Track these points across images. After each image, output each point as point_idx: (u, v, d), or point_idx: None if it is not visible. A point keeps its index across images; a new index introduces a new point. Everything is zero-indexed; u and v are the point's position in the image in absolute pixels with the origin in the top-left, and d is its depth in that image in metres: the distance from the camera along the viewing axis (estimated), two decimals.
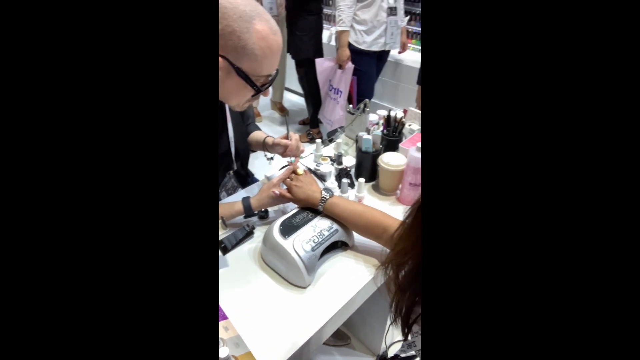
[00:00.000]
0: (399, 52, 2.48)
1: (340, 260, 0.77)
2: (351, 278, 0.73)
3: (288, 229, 0.72)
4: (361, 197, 0.91)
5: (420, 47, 1.56)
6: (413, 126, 1.13)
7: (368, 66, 2.15)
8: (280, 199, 0.82)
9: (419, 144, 0.84)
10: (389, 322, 0.59)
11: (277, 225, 0.73)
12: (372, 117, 1.08)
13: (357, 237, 0.80)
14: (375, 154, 0.95)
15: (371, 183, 1.00)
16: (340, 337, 1.35)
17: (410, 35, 2.71)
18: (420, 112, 1.16)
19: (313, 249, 0.70)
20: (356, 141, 1.00)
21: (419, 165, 0.85)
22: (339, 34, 2.02)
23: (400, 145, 0.97)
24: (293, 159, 0.89)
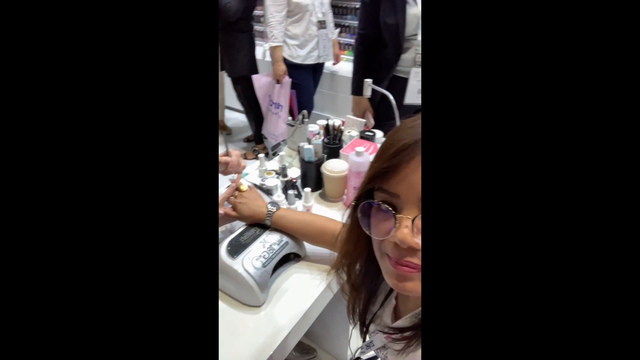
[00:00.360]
0: (334, 64, 2.57)
1: (294, 273, 0.76)
2: (307, 288, 0.73)
3: (236, 248, 0.70)
4: (309, 207, 0.92)
5: (352, 57, 1.65)
6: (352, 133, 1.17)
7: (305, 79, 2.20)
8: (225, 218, 0.79)
9: (358, 149, 0.87)
10: (351, 327, 0.59)
11: (224, 247, 0.70)
12: (312, 128, 1.10)
13: (309, 247, 0.80)
14: (319, 163, 0.97)
15: (318, 192, 1.01)
16: (306, 350, 1.33)
17: (342, 46, 2.82)
18: (358, 119, 1.21)
19: (264, 265, 0.68)
20: (298, 152, 1.01)
21: (360, 168, 0.87)
22: (273, 50, 2.05)
23: (341, 151, 1.00)
24: (235, 176, 0.87)
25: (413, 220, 0.36)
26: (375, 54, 1.44)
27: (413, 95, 1.45)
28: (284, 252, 0.73)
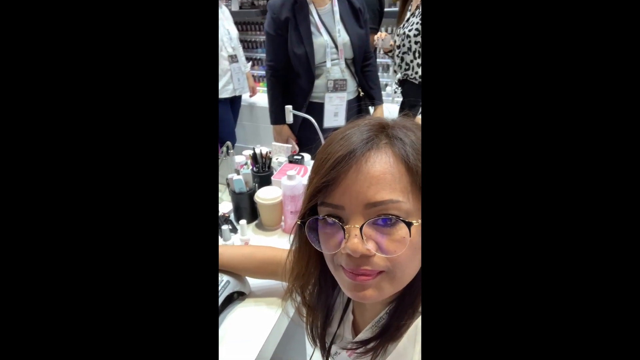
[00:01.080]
0: (250, 96, 2.58)
1: (241, 312, 0.71)
2: (258, 325, 0.68)
3: None
4: (247, 240, 0.87)
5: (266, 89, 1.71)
6: (280, 159, 1.17)
7: (223, 113, 2.16)
8: None
9: (289, 173, 0.86)
10: (311, 350, 0.56)
11: None
12: (239, 159, 1.07)
13: (253, 282, 0.75)
14: (251, 193, 0.94)
15: (254, 223, 0.97)
16: None
17: (257, 79, 2.86)
18: (284, 144, 1.21)
19: None
20: (228, 185, 0.97)
21: (294, 192, 0.87)
22: None
23: (273, 178, 0.98)
24: None
25: (361, 229, 0.36)
26: (288, 83, 1.49)
27: (330, 118, 1.52)
28: (225, 294, 0.68)
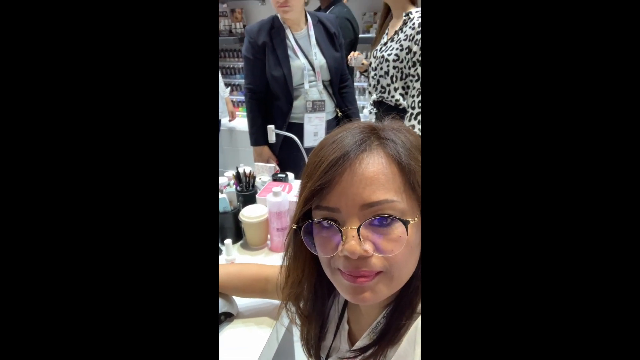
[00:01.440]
0: (230, 120, 2.59)
1: (230, 334, 0.68)
2: (247, 346, 0.65)
3: None
4: (232, 260, 0.85)
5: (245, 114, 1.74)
6: (263, 178, 1.16)
7: None
8: None
9: (275, 189, 0.86)
10: None
11: None
12: (222, 180, 1.06)
13: (241, 302, 0.73)
14: (235, 212, 0.92)
15: (239, 242, 0.95)
16: None
17: (236, 104, 2.88)
18: (267, 164, 1.21)
19: None
20: None
21: (280, 208, 0.86)
22: None
23: (257, 196, 0.98)
24: None
25: (358, 230, 0.36)
26: (267, 105, 1.51)
27: (310, 138, 1.54)
28: None
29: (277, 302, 0.72)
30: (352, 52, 1.64)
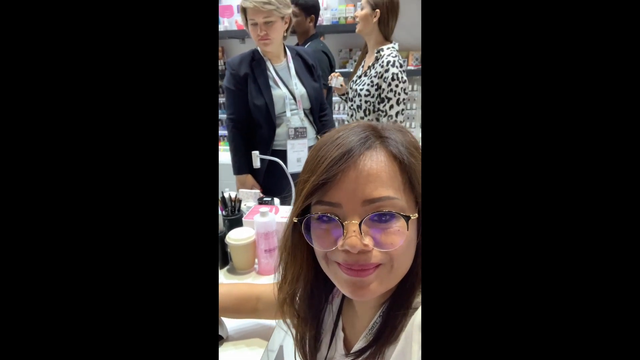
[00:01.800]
0: None
1: (220, 357, 0.65)
2: None
3: None
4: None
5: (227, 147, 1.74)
6: (248, 204, 1.16)
7: None
8: None
9: (262, 209, 0.86)
10: None
11: None
12: None
13: (231, 324, 0.70)
14: (221, 236, 0.91)
15: (226, 268, 0.93)
16: None
17: (220, 138, 2.89)
18: (252, 190, 1.21)
19: None
20: None
21: (268, 229, 0.86)
22: None
23: (244, 219, 0.97)
24: None
25: (360, 224, 0.37)
26: (249, 134, 1.53)
27: (294, 164, 1.56)
28: None
29: (268, 322, 0.70)
30: (333, 73, 1.71)
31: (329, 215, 0.38)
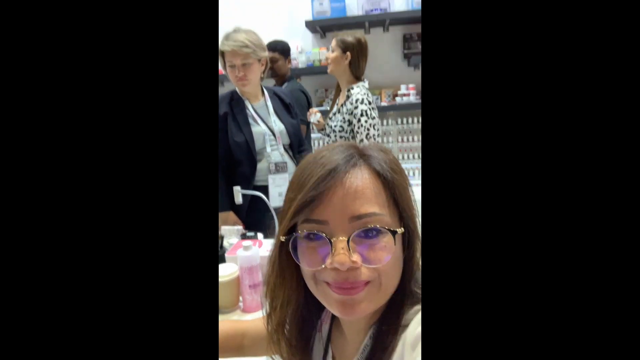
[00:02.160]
0: None
1: None
2: None
3: None
4: None
5: None
6: (231, 240, 1.14)
7: None
8: None
9: (245, 243, 0.85)
10: None
11: None
12: None
13: None
14: None
15: None
16: None
17: None
18: (234, 227, 1.20)
19: None
20: None
21: (252, 262, 0.84)
22: None
23: (227, 255, 0.95)
24: None
25: (348, 241, 0.37)
26: (230, 172, 1.54)
27: (276, 198, 1.56)
28: None
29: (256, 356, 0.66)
30: (312, 109, 1.78)
31: (316, 232, 0.38)
